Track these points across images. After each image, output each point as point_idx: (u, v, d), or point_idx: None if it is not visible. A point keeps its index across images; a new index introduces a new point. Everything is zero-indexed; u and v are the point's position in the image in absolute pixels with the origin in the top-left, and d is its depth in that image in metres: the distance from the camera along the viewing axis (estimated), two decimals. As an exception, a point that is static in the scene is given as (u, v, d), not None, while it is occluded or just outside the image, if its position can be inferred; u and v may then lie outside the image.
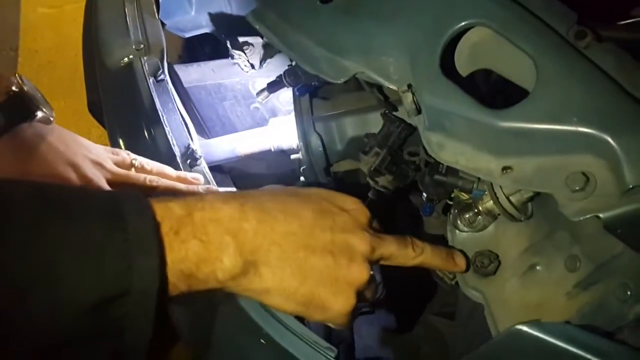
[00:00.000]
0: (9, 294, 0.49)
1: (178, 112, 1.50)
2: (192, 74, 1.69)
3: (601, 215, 0.70)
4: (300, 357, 0.96)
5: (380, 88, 1.44)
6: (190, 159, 1.41)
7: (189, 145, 1.44)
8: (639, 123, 0.70)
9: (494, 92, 1.00)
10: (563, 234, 0.92)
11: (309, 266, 0.71)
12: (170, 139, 1.40)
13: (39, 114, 1.04)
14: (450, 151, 0.85)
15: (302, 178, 1.58)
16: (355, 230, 0.76)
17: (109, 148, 1.21)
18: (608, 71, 0.74)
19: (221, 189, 1.65)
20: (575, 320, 0.84)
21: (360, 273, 0.74)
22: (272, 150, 1.58)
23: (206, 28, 1.69)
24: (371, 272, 0.76)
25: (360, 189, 1.48)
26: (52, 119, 1.07)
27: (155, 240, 0.58)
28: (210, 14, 1.67)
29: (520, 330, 0.73)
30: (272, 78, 1.68)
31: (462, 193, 1.15)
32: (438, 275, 1.60)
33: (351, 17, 0.99)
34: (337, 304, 0.73)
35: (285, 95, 1.70)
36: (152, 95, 1.47)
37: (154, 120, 1.45)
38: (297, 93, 1.49)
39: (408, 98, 0.86)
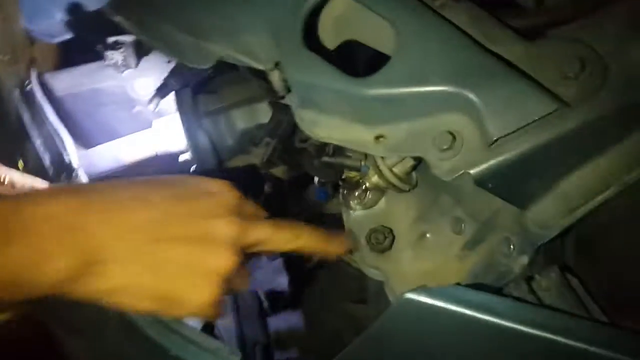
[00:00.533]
0: None
1: (49, 123, 1.38)
2: (64, 81, 1.56)
3: (471, 172, 0.70)
4: (201, 367, 0.91)
5: (264, 76, 1.41)
6: (66, 172, 1.30)
7: (63, 157, 1.33)
8: (496, 76, 0.70)
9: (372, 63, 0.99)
10: (446, 198, 0.92)
11: (162, 258, 0.65)
12: (41, 153, 1.29)
13: None
14: (324, 127, 0.83)
15: (195, 179, 1.51)
16: (219, 215, 0.70)
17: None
18: (464, 28, 0.74)
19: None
20: (469, 282, 0.85)
21: (223, 261, 0.68)
22: (160, 154, 1.50)
23: (75, 31, 1.57)
24: (239, 259, 0.70)
25: (260, 184, 1.44)
26: None
27: None
28: (77, 16, 1.56)
29: (409, 298, 0.72)
30: (151, 77, 1.60)
31: (352, 172, 1.13)
32: (344, 260, 1.60)
33: (213, 0, 0.95)
34: (198, 296, 0.67)
35: (171, 94, 1.62)
36: (19, 108, 1.36)
37: (23, 133, 1.34)
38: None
39: (276, 76, 0.83)
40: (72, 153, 1.36)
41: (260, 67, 0.86)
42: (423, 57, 0.74)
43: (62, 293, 0.59)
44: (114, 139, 1.55)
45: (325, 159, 1.14)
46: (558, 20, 0.77)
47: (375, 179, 0.99)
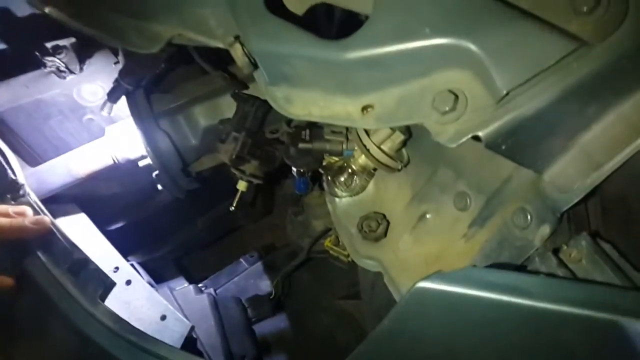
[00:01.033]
0: None
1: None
2: (2, 95, 1.40)
3: (480, 134, 0.60)
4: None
5: (225, 67, 1.28)
6: (12, 192, 1.15)
7: (7, 177, 1.17)
8: (497, 18, 0.60)
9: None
10: (445, 172, 0.82)
11: None
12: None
13: None
14: (300, 103, 0.72)
15: (159, 186, 1.38)
16: None
17: None
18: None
19: (61, 219, 1.40)
20: (479, 263, 0.75)
21: None
22: (118, 162, 1.35)
23: (6, 39, 1.41)
24: None
25: (233, 185, 1.31)
26: None
27: None
28: (6, 23, 1.40)
29: (422, 287, 0.61)
30: (98, 81, 1.45)
31: (333, 157, 1.03)
32: (332, 255, 1.49)
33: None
34: None
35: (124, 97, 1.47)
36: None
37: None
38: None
39: (238, 51, 0.71)
40: (18, 172, 1.21)
41: (218, 44, 0.74)
42: (408, 6, 0.62)
43: None
44: (65, 152, 1.40)
45: (302, 145, 1.03)
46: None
47: (362, 160, 0.88)
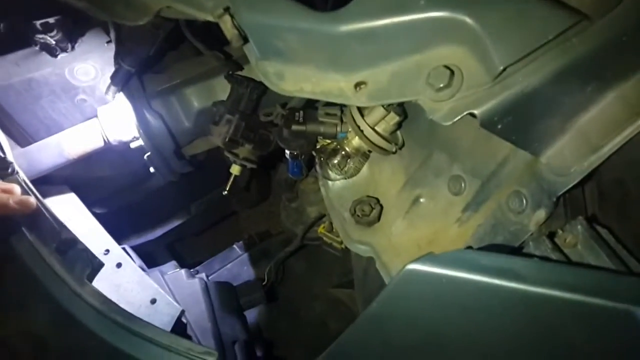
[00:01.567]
0: None
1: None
2: (-8, 73, 1.38)
3: (476, 112, 0.58)
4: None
5: (221, 47, 1.26)
6: (0, 170, 1.13)
7: (-4, 155, 1.15)
8: (495, -7, 0.58)
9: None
10: (440, 156, 0.80)
11: None
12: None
13: None
14: (292, 79, 0.69)
15: (152, 168, 1.35)
16: None
17: None
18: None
19: (52, 199, 1.38)
20: (473, 247, 0.73)
21: None
22: (110, 143, 1.33)
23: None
24: None
25: (227, 171, 1.29)
26: None
27: None
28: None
29: (412, 269, 0.59)
30: (91, 60, 1.43)
31: (326, 140, 1.00)
32: (326, 242, 1.47)
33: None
34: None
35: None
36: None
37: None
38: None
39: (227, 23, 0.68)
40: (7, 150, 1.19)
41: (207, 16, 0.71)
42: (404, -22, 0.60)
43: None
44: (56, 132, 1.38)
45: (295, 127, 1.00)
46: None
47: (356, 141, 0.86)
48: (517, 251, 0.66)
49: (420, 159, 0.84)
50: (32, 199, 1.01)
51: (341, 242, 1.38)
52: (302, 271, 1.73)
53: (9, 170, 1.11)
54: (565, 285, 0.56)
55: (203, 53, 1.23)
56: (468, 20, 0.58)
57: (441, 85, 0.59)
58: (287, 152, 1.10)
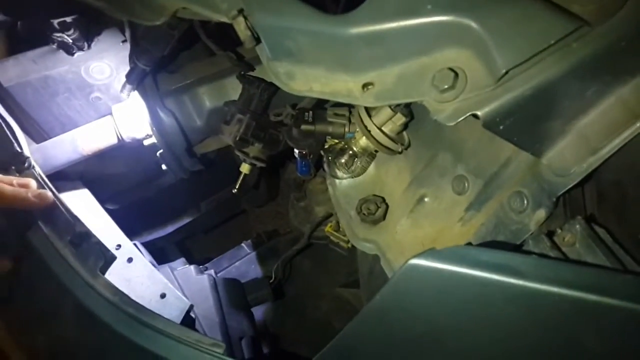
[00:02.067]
0: None
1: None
2: (10, 69, 1.41)
3: (479, 113, 0.60)
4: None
5: (234, 48, 1.29)
6: (16, 164, 1.16)
7: (12, 149, 1.19)
8: (499, -2, 0.60)
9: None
10: (445, 156, 0.82)
11: None
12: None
13: None
14: (302, 79, 0.72)
15: (163, 166, 1.39)
16: None
17: None
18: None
19: (65, 195, 1.41)
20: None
21: None
22: (123, 140, 1.37)
23: (15, 15, 1.42)
24: None
25: (237, 170, 1.32)
26: None
27: None
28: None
29: (414, 264, 0.61)
30: (106, 59, 1.46)
31: (335, 140, 1.03)
32: (333, 241, 1.50)
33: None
34: None
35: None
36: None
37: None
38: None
39: (241, 24, 0.71)
40: (23, 144, 1.22)
41: (221, 17, 0.74)
42: (412, -17, 0.63)
43: None
44: (71, 129, 1.41)
45: (305, 127, 1.03)
46: None
47: (363, 141, 0.88)
48: (517, 248, 0.67)
49: (425, 159, 0.86)
50: (49, 193, 1.04)
51: (348, 242, 1.40)
52: (309, 270, 1.75)
53: (26, 165, 1.14)
54: (563, 282, 0.58)
55: (216, 53, 1.26)
56: (473, 24, 0.60)
57: (445, 86, 0.62)
58: (296, 151, 1.12)
